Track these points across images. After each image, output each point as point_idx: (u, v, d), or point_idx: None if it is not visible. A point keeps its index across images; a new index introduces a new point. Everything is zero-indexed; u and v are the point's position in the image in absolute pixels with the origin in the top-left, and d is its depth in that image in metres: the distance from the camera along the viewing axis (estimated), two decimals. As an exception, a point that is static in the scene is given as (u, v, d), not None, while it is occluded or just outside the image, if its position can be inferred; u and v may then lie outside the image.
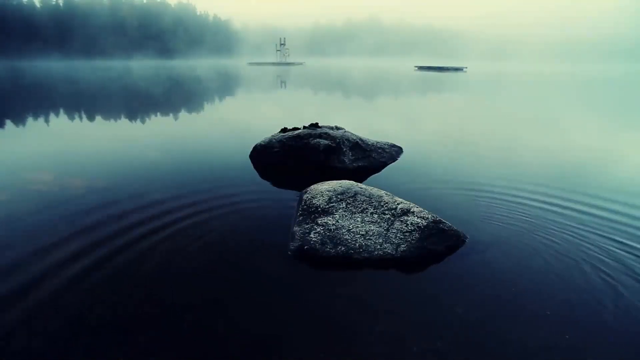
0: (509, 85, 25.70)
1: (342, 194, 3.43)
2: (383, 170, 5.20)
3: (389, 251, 2.86)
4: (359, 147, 5.43)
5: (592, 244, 3.11)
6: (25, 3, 79.91)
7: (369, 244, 2.91)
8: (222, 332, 2.10)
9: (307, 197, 3.48)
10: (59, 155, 5.83)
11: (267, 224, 3.44)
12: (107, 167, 5.13)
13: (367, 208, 3.26)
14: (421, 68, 52.80)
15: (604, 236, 3.25)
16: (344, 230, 3.03)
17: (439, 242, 2.97)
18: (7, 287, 2.45)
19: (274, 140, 5.41)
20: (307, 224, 3.15)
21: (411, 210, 3.18)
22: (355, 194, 3.42)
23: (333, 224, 3.08)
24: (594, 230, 3.36)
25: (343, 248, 2.88)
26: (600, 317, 2.26)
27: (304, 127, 5.69)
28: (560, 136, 8.03)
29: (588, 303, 2.39)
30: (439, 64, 68.42)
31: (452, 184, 4.64)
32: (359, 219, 3.16)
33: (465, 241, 3.08)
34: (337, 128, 5.84)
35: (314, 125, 5.68)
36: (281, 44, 74.90)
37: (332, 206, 3.30)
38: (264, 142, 5.49)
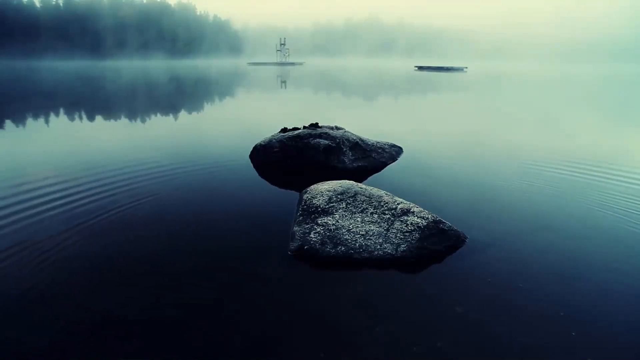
0: (509, 85, 25.71)
1: (342, 194, 3.43)
2: (383, 170, 5.20)
3: (389, 251, 2.86)
4: (359, 147, 5.43)
5: (592, 244, 3.11)
6: (25, 3, 79.92)
7: (369, 244, 2.91)
8: (221, 332, 2.10)
9: (307, 197, 3.49)
10: (40, 155, 5.83)
11: (267, 224, 3.44)
12: (103, 168, 5.12)
13: (367, 208, 3.26)
14: (421, 68, 52.77)
15: (605, 236, 3.25)
16: (344, 230, 3.03)
17: (439, 242, 2.97)
18: (6, 285, 2.45)
19: (274, 140, 5.41)
20: (307, 224, 3.15)
21: (411, 210, 3.18)
22: (355, 194, 3.42)
23: (333, 224, 3.08)
24: (594, 231, 3.36)
25: (343, 248, 2.88)
26: (601, 317, 2.26)
27: (304, 127, 5.69)
28: (562, 136, 8.03)
29: (588, 302, 2.39)
30: (439, 64, 68.41)
31: (452, 184, 4.64)
32: (359, 219, 3.16)
33: (465, 241, 3.08)
34: (337, 128, 5.84)
35: (314, 125, 5.68)
36: (281, 44, 74.91)
37: (332, 206, 3.30)
38: (264, 142, 5.49)
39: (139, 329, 2.11)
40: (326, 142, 5.19)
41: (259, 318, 2.21)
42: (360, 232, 3.01)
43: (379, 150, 5.64)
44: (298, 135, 5.33)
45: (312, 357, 1.94)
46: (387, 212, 3.20)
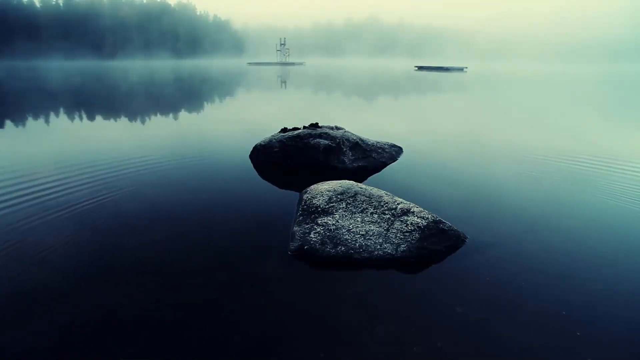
0: (509, 84, 25.70)
1: (342, 194, 3.43)
2: (383, 170, 5.20)
3: (389, 251, 2.86)
4: (359, 147, 5.43)
5: (593, 244, 3.11)
6: (25, 3, 79.94)
7: (369, 244, 2.91)
8: (221, 332, 2.10)
9: (307, 197, 3.48)
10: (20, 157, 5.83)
11: (267, 224, 3.44)
12: (100, 170, 5.12)
13: (367, 208, 3.26)
14: (421, 68, 52.74)
15: (605, 236, 3.24)
16: (344, 230, 3.02)
17: (439, 242, 2.97)
18: (8, 285, 2.45)
19: (274, 140, 5.41)
20: (307, 224, 3.15)
21: (411, 210, 3.18)
22: (355, 194, 3.42)
23: (333, 224, 3.08)
24: (594, 230, 3.36)
25: (343, 248, 2.88)
26: (602, 317, 2.25)
27: (304, 127, 5.69)
28: (562, 136, 8.02)
29: (588, 303, 2.38)
30: (439, 64, 68.44)
31: (452, 184, 4.64)
32: (359, 219, 3.16)
33: (465, 241, 3.08)
34: (337, 128, 5.84)
35: (314, 125, 5.68)
36: (281, 44, 74.97)
37: (332, 206, 3.29)
38: (264, 142, 5.49)
39: (139, 329, 2.11)
40: (326, 142, 5.19)
41: (259, 318, 2.21)
42: (360, 232, 3.00)
43: (379, 150, 5.64)
44: (298, 135, 5.33)
45: (312, 357, 1.94)
46: (387, 212, 3.20)
